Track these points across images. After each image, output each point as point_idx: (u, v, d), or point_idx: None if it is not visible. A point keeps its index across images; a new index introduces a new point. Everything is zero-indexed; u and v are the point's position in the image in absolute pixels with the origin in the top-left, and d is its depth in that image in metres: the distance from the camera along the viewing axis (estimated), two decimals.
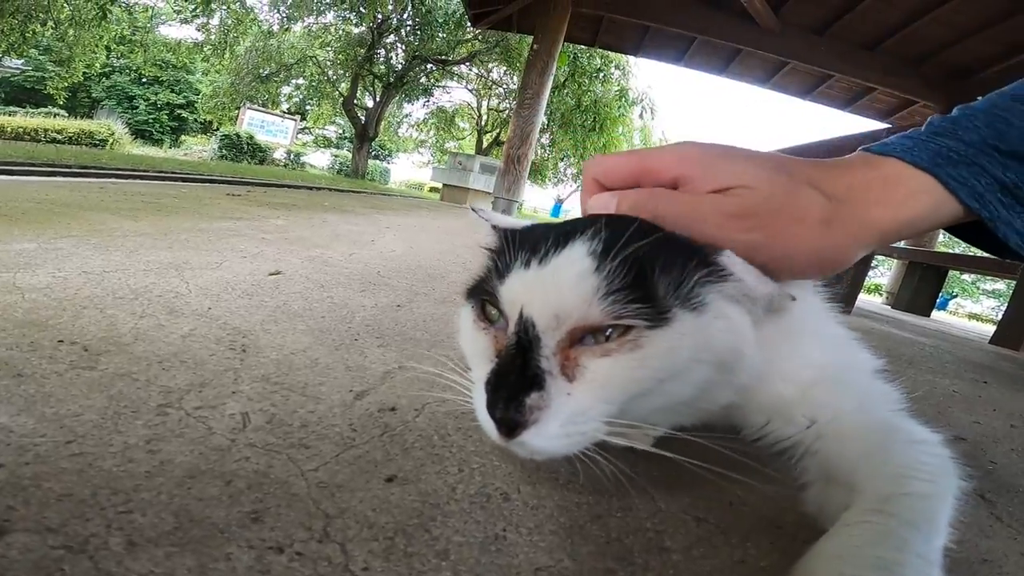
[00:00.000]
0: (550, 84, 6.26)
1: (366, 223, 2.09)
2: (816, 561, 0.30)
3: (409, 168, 34.15)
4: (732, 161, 0.40)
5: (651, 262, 0.34)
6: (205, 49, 13.71)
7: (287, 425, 0.39)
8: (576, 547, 0.31)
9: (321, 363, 0.53)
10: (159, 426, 0.38)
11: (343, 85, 16.97)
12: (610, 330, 0.33)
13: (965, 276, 20.73)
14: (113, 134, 13.87)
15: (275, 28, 14.07)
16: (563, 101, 15.36)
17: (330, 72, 17.06)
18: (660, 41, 6.97)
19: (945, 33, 5.42)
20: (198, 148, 17.96)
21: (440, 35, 15.04)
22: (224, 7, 11.74)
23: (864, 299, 4.25)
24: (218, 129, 17.15)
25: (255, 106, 18.29)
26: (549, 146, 18.00)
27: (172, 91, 23.61)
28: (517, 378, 0.32)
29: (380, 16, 14.61)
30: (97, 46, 12.38)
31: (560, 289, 0.33)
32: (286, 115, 20.27)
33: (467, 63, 16.63)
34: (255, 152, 16.45)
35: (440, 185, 12.12)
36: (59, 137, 12.73)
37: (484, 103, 19.88)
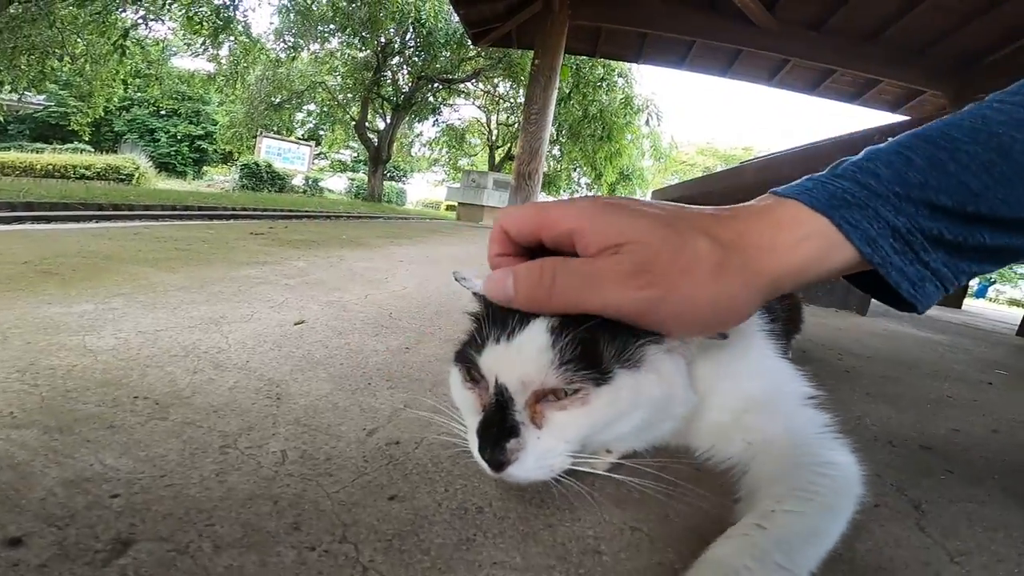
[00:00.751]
0: (555, 97, 6.36)
1: (380, 258, 2.25)
2: (696, 568, 0.38)
3: (425, 187, 34.47)
4: (623, 216, 0.41)
5: (599, 332, 0.44)
6: (217, 80, 14.16)
7: (315, 459, 0.52)
8: (527, 548, 0.43)
9: (340, 406, 0.66)
10: (223, 462, 0.52)
11: (353, 109, 17.36)
12: (566, 391, 0.45)
13: None
14: (138, 168, 14.32)
15: (282, 56, 14.45)
16: (570, 112, 15.58)
17: (340, 97, 17.46)
18: (659, 47, 7.08)
19: (945, 19, 5.38)
20: (220, 179, 18.52)
21: (443, 55, 15.34)
22: (232, 38, 12.15)
23: None
24: (238, 159, 17.68)
25: (271, 134, 18.78)
26: (560, 157, 18.06)
27: (191, 123, 24.19)
28: (499, 429, 0.45)
29: (383, 40, 14.92)
30: (114, 80, 12.85)
31: (523, 362, 0.44)
32: (301, 141, 20.72)
33: (472, 80, 16.86)
34: (275, 180, 16.85)
35: (456, 204, 12.30)
36: (87, 173, 13.19)
37: (493, 118, 20.05)
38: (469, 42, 8.66)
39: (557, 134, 15.88)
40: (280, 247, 2.41)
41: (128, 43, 11.32)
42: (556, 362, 0.44)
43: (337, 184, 24.34)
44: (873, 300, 2.04)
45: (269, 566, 0.38)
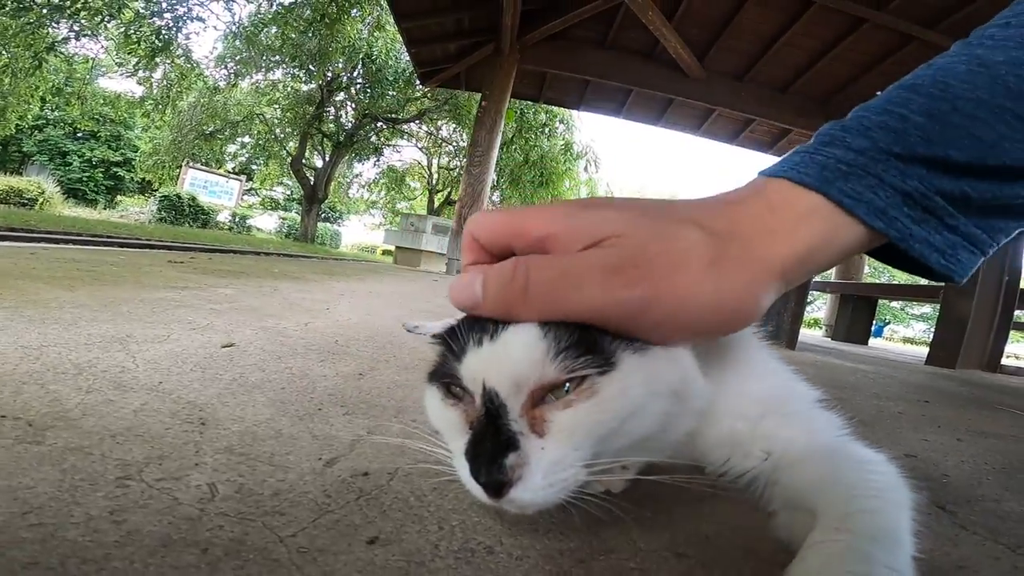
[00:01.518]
0: (499, 141, 6.46)
1: (320, 290, 2.08)
2: None
3: (360, 230, 33.88)
4: (599, 210, 0.36)
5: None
6: (146, 104, 13.36)
7: (258, 494, 0.39)
8: None
9: (285, 433, 0.53)
10: (121, 498, 0.37)
11: (291, 144, 16.85)
12: (567, 385, 0.36)
13: (894, 303, 22.32)
14: (44, 192, 13.13)
15: (221, 84, 13.87)
16: (511, 157, 15.70)
17: (278, 130, 16.92)
18: (600, 95, 7.47)
19: (846, 70, 6.05)
20: (135, 210, 17.17)
21: (390, 93, 15.28)
22: (169, 61, 11.59)
23: (806, 333, 4.52)
24: (157, 189, 16.55)
25: (198, 165, 17.83)
26: (500, 203, 18.23)
27: (109, 147, 22.45)
28: (493, 443, 0.35)
29: (330, 74, 14.78)
30: (32, 97, 11.89)
31: (514, 357, 0.36)
32: (231, 175, 19.84)
33: (417, 121, 16.95)
34: (198, 215, 15.89)
35: (393, 248, 12.07)
36: None
37: (435, 161, 20.09)
38: (417, 82, 8.75)
39: (498, 179, 16.04)
40: (203, 275, 2.18)
41: (51, 57, 10.55)
42: (551, 351, 0.36)
43: (267, 223, 23.27)
44: (802, 336, 2.14)
45: None
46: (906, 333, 24.23)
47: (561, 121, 16.75)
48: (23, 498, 0.37)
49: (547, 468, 0.35)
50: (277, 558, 0.31)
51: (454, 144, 18.42)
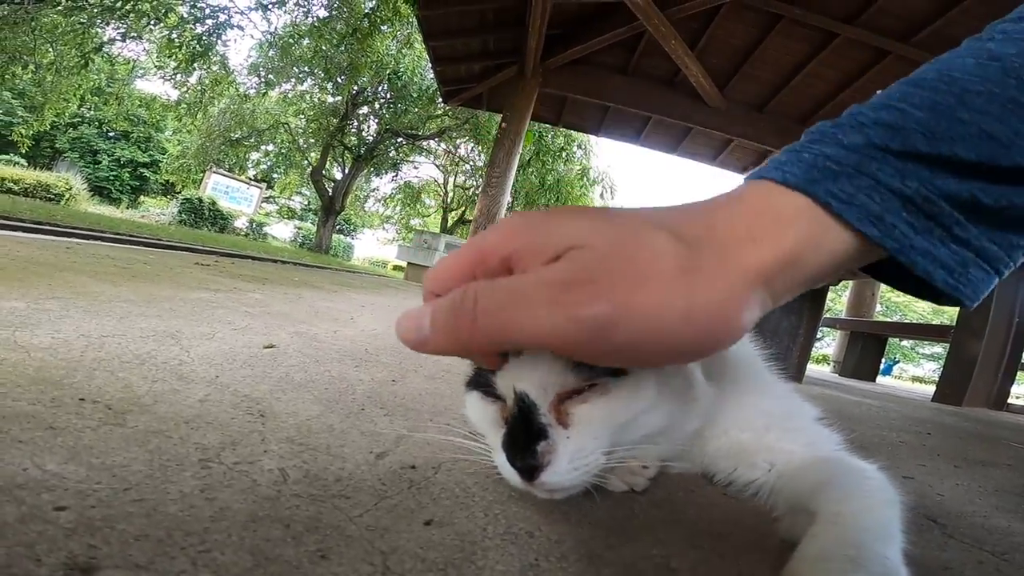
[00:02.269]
0: (516, 162, 6.45)
1: (341, 301, 2.15)
2: (798, 564, 0.36)
3: (373, 244, 34.07)
4: (560, 220, 0.32)
5: None
6: (180, 108, 13.69)
7: (323, 480, 0.44)
8: (599, 570, 0.38)
9: (336, 428, 0.58)
10: (207, 477, 0.42)
11: (313, 155, 17.09)
12: (587, 388, 0.43)
13: (904, 343, 22.10)
14: (71, 189, 13.39)
15: (252, 92, 14.16)
16: (528, 179, 15.82)
17: (301, 140, 17.19)
18: (619, 121, 7.46)
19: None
20: (156, 211, 17.48)
21: (413, 110, 15.42)
22: (205, 67, 11.89)
23: (813, 368, 4.52)
24: (180, 192, 16.86)
25: (221, 170, 18.14)
26: None
27: (139, 148, 22.95)
28: (526, 434, 0.41)
29: (357, 87, 15.03)
30: (73, 95, 12.22)
31: (540, 368, 0.42)
32: (252, 182, 20.15)
33: (437, 138, 17.10)
34: (216, 219, 16.11)
35: (404, 264, 12.16)
36: (14, 187, 12.28)
37: (451, 179, 20.19)
38: (440, 100, 8.88)
39: (513, 201, 16.11)
40: (231, 279, 2.26)
41: (97, 57, 10.90)
42: (571, 363, 0.41)
43: (282, 231, 23.58)
44: (810, 371, 2.15)
45: None
46: (916, 372, 24.00)
47: (579, 146, 16.78)
48: (121, 475, 0.41)
49: (572, 454, 0.41)
50: (351, 534, 0.36)
51: (471, 163, 18.55)
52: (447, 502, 0.44)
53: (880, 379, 5.10)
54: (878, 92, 0.35)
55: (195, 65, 11.15)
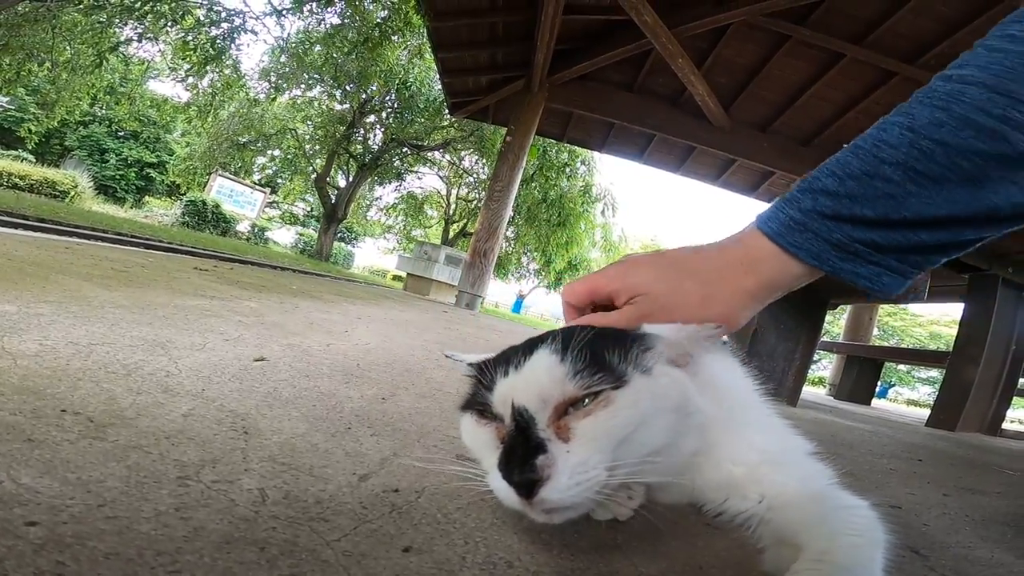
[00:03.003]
0: (520, 177, 6.45)
1: (337, 312, 2.14)
2: None
3: (374, 253, 34.09)
4: (636, 272, 0.54)
5: (601, 346, 0.46)
6: (190, 110, 13.75)
7: (303, 501, 0.43)
8: None
9: (321, 448, 0.57)
10: (184, 496, 0.42)
11: (318, 161, 17.11)
12: (586, 400, 0.43)
13: (900, 366, 22.08)
14: (76, 187, 13.39)
15: (262, 97, 14.20)
16: (530, 194, 15.74)
17: (307, 146, 17.24)
18: (624, 138, 7.45)
19: (870, 124, 6.04)
20: (159, 211, 17.50)
21: (419, 120, 15.40)
22: (218, 70, 11.94)
23: (809, 391, 4.51)
24: (184, 193, 16.89)
25: (226, 174, 18.20)
26: (514, 239, 18.14)
27: (146, 148, 22.96)
28: (524, 449, 0.40)
29: (365, 96, 15.10)
30: (86, 94, 12.27)
31: (539, 378, 0.43)
32: (256, 186, 20.20)
33: (441, 150, 17.14)
34: (219, 222, 16.12)
35: (404, 274, 12.13)
36: (20, 183, 12.31)
37: (454, 191, 20.17)
38: (447, 111, 8.88)
39: (515, 215, 16.05)
40: (228, 286, 2.25)
41: (112, 57, 10.96)
42: (570, 372, 0.43)
43: (284, 237, 23.61)
44: (803, 392, 2.16)
45: None
46: (911, 395, 24.02)
47: (583, 162, 16.70)
48: (96, 491, 0.41)
49: (573, 468, 0.40)
50: (327, 559, 0.35)
51: (475, 175, 18.55)
52: (428, 528, 0.43)
53: (875, 402, 5.08)
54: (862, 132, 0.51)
55: (208, 68, 11.18)
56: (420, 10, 5.88)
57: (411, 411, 0.82)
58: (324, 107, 16.11)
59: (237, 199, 18.57)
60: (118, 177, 22.12)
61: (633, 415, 0.43)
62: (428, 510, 0.46)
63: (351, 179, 17.31)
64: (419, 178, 20.71)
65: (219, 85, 12.24)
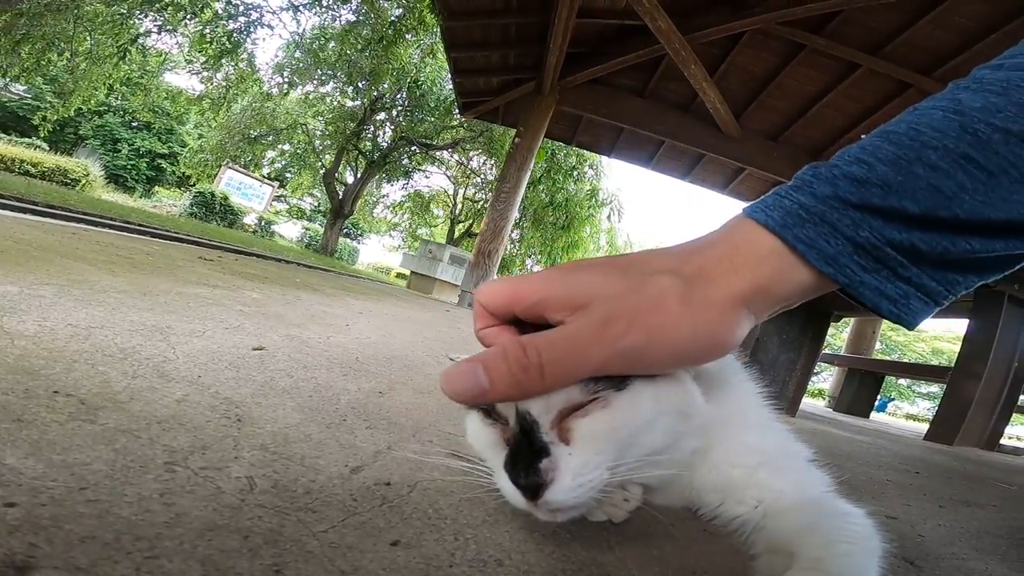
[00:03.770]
0: (527, 179, 6.41)
1: (339, 306, 2.13)
2: None
3: (378, 250, 34.12)
4: (583, 274, 0.40)
5: None
6: (204, 102, 13.81)
7: (291, 491, 0.42)
8: None
9: (314, 438, 0.56)
10: (169, 481, 0.41)
11: (327, 157, 17.17)
12: (588, 402, 0.42)
13: (901, 381, 21.98)
14: (88, 175, 13.53)
15: (275, 91, 14.25)
16: (537, 196, 15.62)
17: (317, 142, 17.31)
18: (633, 144, 7.41)
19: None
20: (168, 202, 17.62)
21: (429, 119, 15.42)
22: (233, 63, 11.97)
23: (808, 402, 4.49)
24: (194, 185, 16.98)
25: (237, 166, 18.29)
26: (519, 241, 18.07)
27: (159, 139, 23.19)
28: (528, 452, 0.40)
29: (376, 93, 15.13)
30: (103, 84, 12.34)
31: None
32: (265, 180, 20.29)
33: (450, 149, 17.15)
34: (226, 214, 16.20)
35: (408, 271, 12.10)
36: (32, 170, 12.43)
37: (461, 191, 20.16)
38: (457, 111, 8.87)
39: (521, 217, 15.95)
40: (232, 276, 2.25)
41: (133, 48, 11.02)
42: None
43: (290, 231, 23.63)
44: (802, 403, 2.14)
45: None
46: (910, 410, 23.96)
47: (591, 166, 16.56)
48: (79, 474, 0.40)
49: (576, 470, 0.40)
50: (311, 550, 0.34)
51: (482, 176, 18.52)
52: (418, 523, 0.42)
53: (875, 415, 5.05)
54: (862, 137, 0.41)
55: (223, 61, 11.22)
56: (434, 9, 5.87)
57: (408, 406, 0.81)
58: (336, 103, 16.12)
59: (246, 192, 18.66)
60: (129, 167, 22.29)
61: (634, 416, 0.43)
62: (419, 505, 0.45)
63: (359, 175, 17.34)
64: (427, 177, 20.71)
65: (233, 78, 12.27)
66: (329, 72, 13.61)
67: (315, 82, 14.25)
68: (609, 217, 18.10)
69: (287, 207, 26.73)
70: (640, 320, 0.37)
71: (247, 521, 0.37)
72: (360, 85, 13.91)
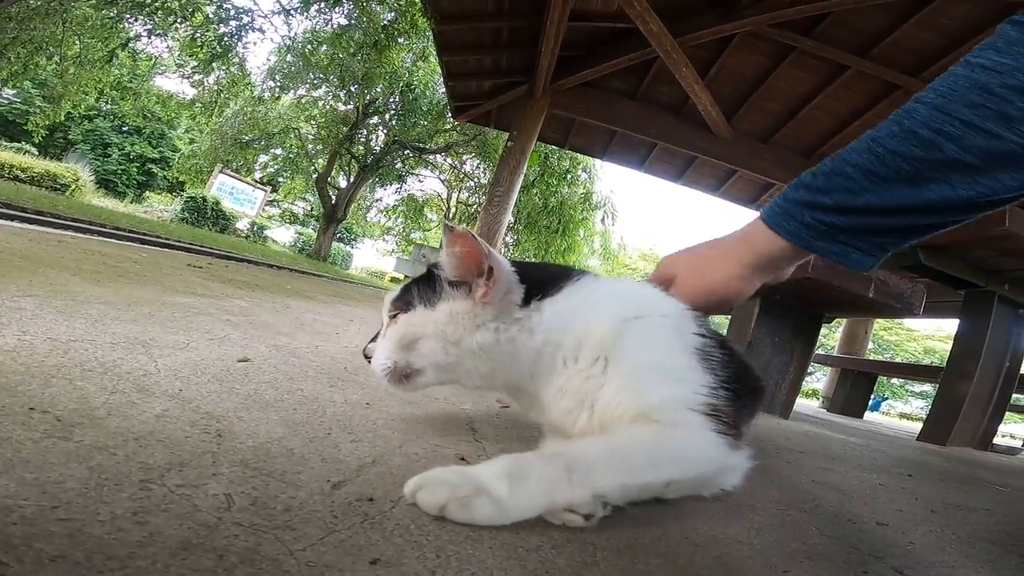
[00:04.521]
0: (520, 182, 6.42)
1: (329, 313, 2.12)
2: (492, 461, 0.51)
3: (372, 255, 33.95)
4: (676, 259, 0.80)
5: (415, 286, 0.72)
6: (195, 107, 13.67)
7: (271, 508, 0.42)
8: None
9: (296, 453, 0.55)
10: (144, 500, 0.40)
11: (320, 161, 17.08)
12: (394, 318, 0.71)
13: (894, 380, 22.14)
14: (78, 180, 13.34)
15: (267, 95, 14.16)
16: (531, 200, 15.67)
17: (310, 146, 17.21)
18: (625, 147, 7.45)
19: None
20: (159, 207, 17.44)
21: (422, 123, 15.41)
22: (224, 68, 11.89)
23: (802, 403, 4.50)
24: (185, 190, 16.84)
25: (228, 171, 18.15)
26: (513, 245, 18.05)
27: (150, 144, 23.00)
28: (373, 341, 0.74)
29: (369, 97, 15.07)
30: (93, 88, 12.23)
31: (385, 304, 0.74)
32: (257, 185, 20.14)
33: (443, 153, 17.12)
34: (218, 219, 16.04)
35: (402, 276, 12.05)
36: (22, 175, 12.28)
37: (454, 195, 20.16)
38: (449, 115, 8.84)
39: (515, 221, 15.97)
40: (221, 284, 2.23)
41: (122, 52, 10.94)
42: (392, 302, 0.73)
43: (283, 235, 23.49)
44: (796, 404, 2.16)
45: None
46: (904, 409, 24.11)
47: (584, 169, 16.65)
48: (52, 492, 0.39)
49: (379, 352, 0.70)
50: (288, 570, 0.34)
51: (475, 180, 18.50)
52: (399, 540, 0.41)
53: (868, 415, 5.07)
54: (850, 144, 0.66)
55: (214, 65, 11.16)
56: (426, 13, 5.86)
57: (396, 417, 0.80)
58: (328, 107, 16.06)
59: (238, 196, 18.51)
60: (120, 172, 22.09)
61: (405, 329, 0.68)
62: (402, 521, 0.45)
63: (352, 180, 17.27)
64: (420, 180, 20.68)
65: (225, 83, 12.19)
66: (321, 76, 13.54)
67: (307, 86, 14.18)
68: (603, 220, 18.13)
69: (280, 212, 26.59)
70: (697, 278, 0.76)
71: (223, 540, 0.36)
72: (352, 89, 13.85)
